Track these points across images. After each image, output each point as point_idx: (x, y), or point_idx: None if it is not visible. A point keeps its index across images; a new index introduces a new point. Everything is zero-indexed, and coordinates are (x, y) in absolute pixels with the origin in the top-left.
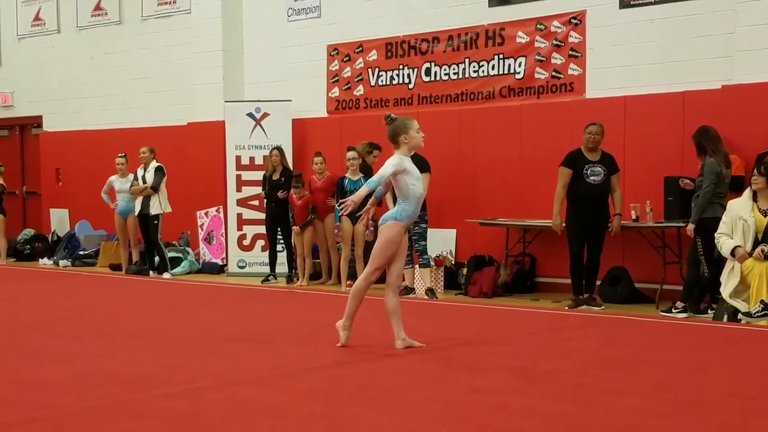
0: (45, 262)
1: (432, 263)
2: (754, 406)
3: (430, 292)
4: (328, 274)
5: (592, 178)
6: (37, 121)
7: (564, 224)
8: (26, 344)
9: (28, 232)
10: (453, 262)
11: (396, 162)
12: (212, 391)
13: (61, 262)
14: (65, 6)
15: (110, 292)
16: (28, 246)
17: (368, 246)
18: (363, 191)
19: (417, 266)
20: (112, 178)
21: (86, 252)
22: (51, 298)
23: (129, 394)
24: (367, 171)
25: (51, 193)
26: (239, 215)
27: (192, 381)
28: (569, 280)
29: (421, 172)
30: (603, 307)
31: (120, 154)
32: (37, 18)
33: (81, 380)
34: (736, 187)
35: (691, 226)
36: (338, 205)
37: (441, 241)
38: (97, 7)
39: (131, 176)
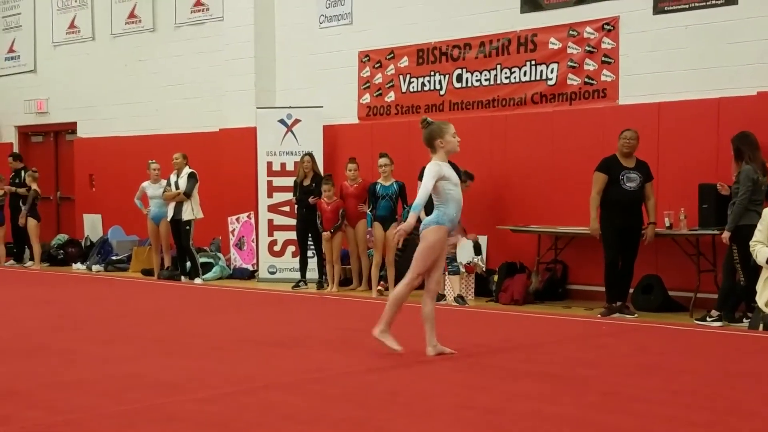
0: (78, 266)
1: (462, 270)
2: None
3: (460, 298)
4: (358, 280)
5: (628, 184)
6: (71, 128)
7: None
8: (59, 347)
9: (62, 237)
10: (484, 269)
11: (435, 171)
12: (244, 396)
13: (94, 267)
14: (100, 13)
15: (142, 297)
16: (62, 251)
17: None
18: (413, 219)
19: (446, 273)
20: (145, 184)
21: (119, 257)
22: (83, 302)
23: (162, 397)
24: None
25: (84, 198)
26: (270, 221)
27: (224, 386)
28: (601, 288)
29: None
30: (636, 315)
31: (152, 161)
32: (72, 25)
33: (114, 384)
34: None
35: (726, 234)
36: (369, 210)
37: (471, 248)
38: (132, 15)
39: (163, 182)
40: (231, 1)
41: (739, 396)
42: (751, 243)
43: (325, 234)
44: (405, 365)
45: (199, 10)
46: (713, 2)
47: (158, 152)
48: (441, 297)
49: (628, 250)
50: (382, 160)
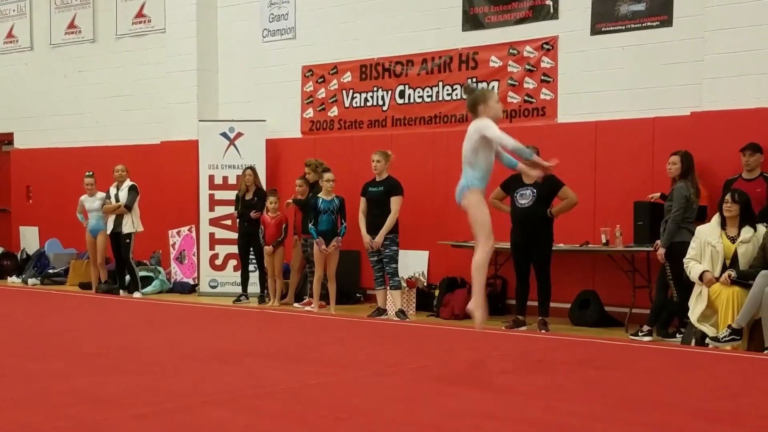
0: (13, 280)
1: (404, 285)
2: (720, 429)
3: (401, 313)
4: (293, 294)
5: (521, 201)
6: (8, 138)
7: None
8: None
9: None
10: (425, 284)
11: (490, 124)
12: (182, 413)
13: (30, 281)
14: (39, 23)
15: (79, 311)
16: None
17: (339, 265)
18: (520, 147)
19: (388, 288)
20: (83, 197)
21: (56, 270)
22: (18, 316)
23: (97, 414)
24: (318, 190)
25: (21, 210)
26: (212, 235)
27: (161, 402)
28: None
29: (394, 195)
30: (525, 328)
31: (88, 173)
32: (9, 35)
33: (48, 401)
34: (700, 216)
35: (661, 251)
36: (311, 223)
37: (414, 263)
38: (71, 25)
39: (101, 194)
40: (173, 13)
41: (671, 410)
42: (684, 260)
43: (267, 248)
44: (346, 380)
45: (140, 22)
46: (649, 24)
47: (98, 164)
48: (383, 312)
49: (536, 266)
50: (328, 175)
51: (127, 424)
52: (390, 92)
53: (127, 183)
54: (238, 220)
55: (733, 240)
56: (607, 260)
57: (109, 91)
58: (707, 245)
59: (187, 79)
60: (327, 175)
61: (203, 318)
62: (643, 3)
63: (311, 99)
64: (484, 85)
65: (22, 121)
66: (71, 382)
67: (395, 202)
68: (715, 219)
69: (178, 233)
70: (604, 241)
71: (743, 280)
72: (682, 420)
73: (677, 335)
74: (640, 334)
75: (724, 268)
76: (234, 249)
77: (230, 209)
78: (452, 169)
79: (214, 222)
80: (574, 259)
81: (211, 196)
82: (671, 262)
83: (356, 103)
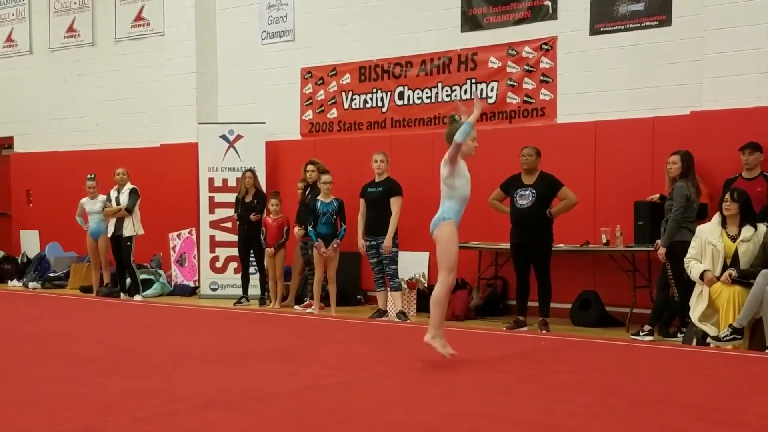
0: (14, 284)
1: (404, 286)
2: (722, 429)
3: (402, 314)
4: (293, 296)
5: (520, 202)
6: (8, 142)
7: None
8: None
9: None
10: (426, 285)
11: (445, 157)
12: (183, 415)
13: (31, 284)
14: (38, 27)
15: (80, 315)
16: None
17: (339, 267)
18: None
19: (389, 289)
20: (83, 200)
21: (56, 274)
22: (19, 320)
23: (99, 417)
24: (316, 192)
25: (21, 214)
26: (212, 237)
27: (162, 405)
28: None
29: (393, 196)
30: (526, 328)
31: (89, 176)
32: (9, 39)
33: (50, 404)
34: (701, 214)
35: (662, 250)
36: (310, 226)
37: (414, 264)
38: (70, 29)
39: (102, 197)
40: (172, 16)
41: (673, 411)
42: (685, 259)
43: (268, 250)
44: (346, 382)
45: (139, 25)
46: (648, 24)
47: (98, 168)
48: (383, 313)
49: (536, 266)
50: (325, 177)
51: (128, 427)
52: (389, 94)
53: (128, 186)
54: (238, 223)
55: (733, 239)
56: (608, 260)
57: (108, 94)
58: (708, 244)
59: (187, 81)
60: (324, 177)
61: (204, 321)
62: (642, 3)
63: (310, 101)
64: (483, 86)
65: (21, 125)
66: (72, 385)
67: (396, 203)
68: (716, 218)
69: (179, 236)
70: (604, 241)
71: (744, 279)
72: (684, 420)
73: (678, 335)
74: (641, 334)
75: (724, 268)
76: (234, 251)
77: (230, 212)
78: None
79: (214, 224)
80: (574, 259)
81: (211, 199)
82: (672, 261)
83: (355, 104)
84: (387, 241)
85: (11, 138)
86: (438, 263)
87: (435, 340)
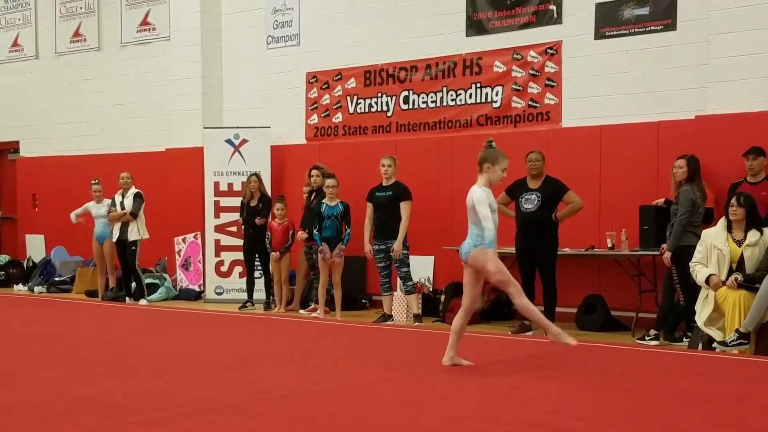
0: (20, 288)
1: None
2: None
3: (417, 317)
4: (299, 300)
5: (525, 206)
6: (14, 147)
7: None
8: None
9: (3, 257)
10: (431, 289)
11: (484, 197)
12: (188, 418)
13: (36, 288)
14: (44, 32)
15: (85, 319)
16: (3, 272)
17: (345, 271)
18: (490, 253)
19: (402, 292)
20: (89, 204)
21: (62, 278)
22: (25, 324)
23: (104, 421)
24: (322, 196)
25: (27, 218)
26: (217, 241)
27: (168, 408)
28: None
29: (402, 200)
30: (533, 332)
31: (94, 181)
32: (15, 44)
33: (55, 407)
34: (707, 219)
35: (667, 254)
36: (315, 229)
37: (419, 268)
38: (76, 33)
39: (107, 201)
40: (178, 20)
41: (679, 415)
42: (691, 264)
43: (274, 254)
44: (351, 386)
45: (145, 30)
46: (652, 28)
47: (103, 172)
48: (388, 317)
49: (541, 270)
50: (330, 181)
51: (133, 430)
52: (394, 98)
53: (133, 190)
54: (243, 227)
55: (739, 243)
56: (613, 264)
57: (114, 98)
58: (713, 249)
59: (192, 86)
60: (329, 181)
61: (209, 325)
62: (647, 7)
63: (315, 105)
64: (488, 90)
65: (27, 129)
66: (77, 388)
67: (405, 207)
68: (722, 222)
69: (184, 240)
70: (609, 245)
71: (750, 283)
72: (689, 424)
73: (684, 339)
74: (646, 338)
75: (730, 272)
76: (239, 255)
77: (235, 216)
78: (457, 175)
79: (219, 229)
80: (579, 263)
81: (216, 203)
82: (677, 265)
83: (360, 109)
84: (397, 245)
85: (17, 142)
86: (500, 286)
87: (453, 360)
